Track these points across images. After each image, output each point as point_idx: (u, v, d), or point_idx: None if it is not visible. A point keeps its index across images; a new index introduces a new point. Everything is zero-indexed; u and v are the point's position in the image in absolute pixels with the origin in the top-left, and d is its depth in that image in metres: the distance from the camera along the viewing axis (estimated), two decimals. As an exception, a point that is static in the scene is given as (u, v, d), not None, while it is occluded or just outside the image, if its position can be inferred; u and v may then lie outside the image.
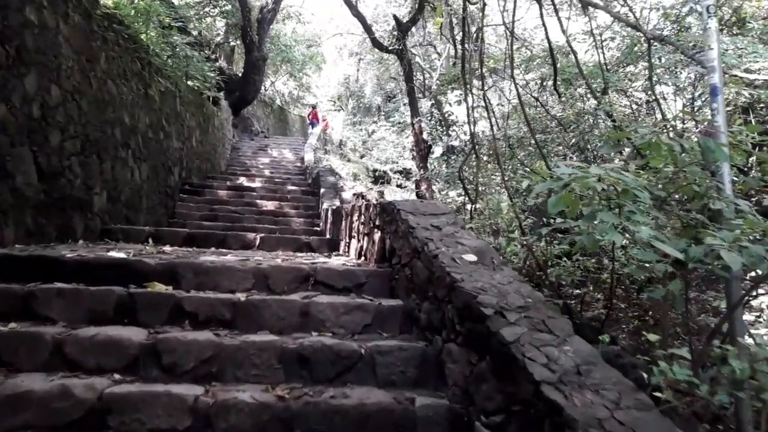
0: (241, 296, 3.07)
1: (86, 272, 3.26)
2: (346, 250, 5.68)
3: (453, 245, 2.87)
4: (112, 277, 3.25)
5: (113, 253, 3.91)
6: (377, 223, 3.90)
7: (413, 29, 18.28)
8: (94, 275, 3.25)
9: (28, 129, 4.61)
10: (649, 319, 5.64)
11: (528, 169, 11.54)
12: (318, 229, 9.60)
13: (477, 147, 7.53)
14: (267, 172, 15.62)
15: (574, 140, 10.24)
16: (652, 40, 9.85)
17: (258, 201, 10.69)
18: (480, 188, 8.60)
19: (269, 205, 10.55)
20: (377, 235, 3.90)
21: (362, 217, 4.66)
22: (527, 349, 2.06)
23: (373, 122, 35.89)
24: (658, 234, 3.05)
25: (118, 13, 6.99)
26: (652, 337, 2.77)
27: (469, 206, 10.70)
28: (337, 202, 10.01)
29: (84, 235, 5.62)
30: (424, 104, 19.41)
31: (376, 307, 3.05)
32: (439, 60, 28.11)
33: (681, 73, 13.26)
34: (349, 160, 25.27)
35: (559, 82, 13.13)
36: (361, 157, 30.54)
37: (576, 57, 10.40)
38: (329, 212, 8.02)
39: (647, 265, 3.38)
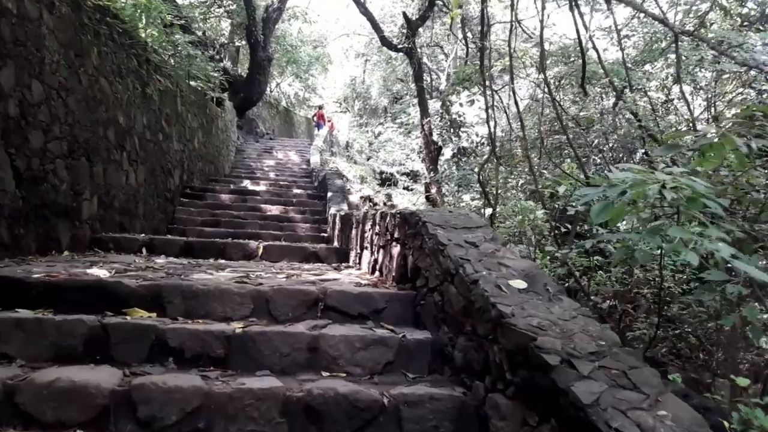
0: (237, 326, 2.56)
1: (56, 296, 2.76)
2: (357, 261, 5.16)
3: (495, 267, 2.35)
4: (85, 302, 2.74)
5: (94, 270, 3.41)
6: (396, 235, 3.38)
7: (420, 30, 17.77)
8: (65, 300, 2.74)
9: (4, 129, 4.12)
10: (690, 338, 5.10)
11: (545, 171, 11.00)
12: (325, 235, 9.10)
13: (495, 148, 7.00)
14: (272, 175, 15.15)
15: (596, 141, 9.69)
16: (680, 35, 9.31)
17: (262, 205, 10.19)
18: (499, 192, 8.07)
19: (274, 210, 10.05)
20: (396, 250, 3.38)
21: (377, 226, 4.15)
22: (611, 416, 1.54)
23: (380, 124, 35.41)
24: (738, 253, 2.53)
25: (112, 6, 6.50)
26: (742, 381, 2.26)
27: (487, 210, 10.18)
28: (345, 207, 9.50)
29: (70, 245, 5.12)
30: (432, 105, 18.88)
31: (399, 341, 2.53)
32: (446, 61, 27.60)
33: (699, 71, 12.67)
34: (355, 162, 24.76)
35: (577, 81, 12.60)
36: (368, 159, 30.06)
37: (599, 54, 9.86)
38: (337, 218, 7.51)
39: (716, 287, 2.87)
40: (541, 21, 6.15)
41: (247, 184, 12.73)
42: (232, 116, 17.20)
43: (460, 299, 2.34)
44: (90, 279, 2.83)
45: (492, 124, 7.04)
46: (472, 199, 10.48)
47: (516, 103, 6.53)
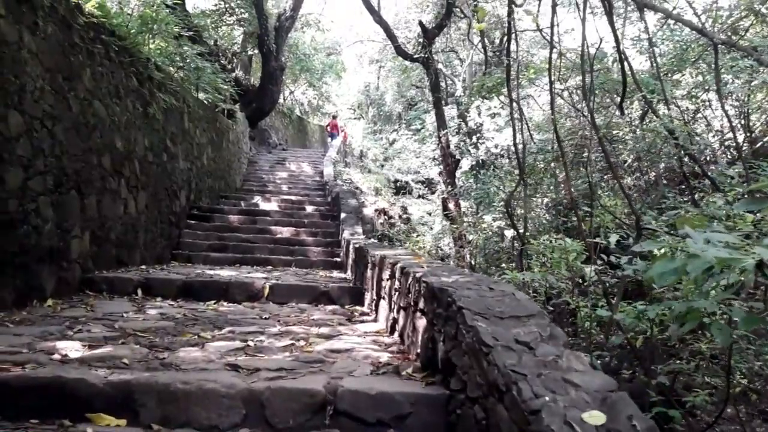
0: (224, 446, 2.01)
1: (3, 399, 2.23)
2: (374, 308, 4.60)
3: (560, 388, 1.78)
4: (41, 406, 2.21)
5: (63, 344, 2.88)
6: (421, 306, 2.81)
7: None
8: (14, 405, 2.21)
9: (-28, 170, 3.63)
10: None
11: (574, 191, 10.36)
12: (338, 260, 8.57)
13: (524, 172, 6.39)
14: (284, 188, 14.69)
15: (628, 160, 9.04)
16: (720, 45, 8.64)
17: (272, 227, 9.69)
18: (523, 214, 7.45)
19: (285, 232, 9.54)
20: (421, 323, 2.81)
21: (396, 281, 3.58)
22: None
23: (394, 130, 34.90)
24: None
25: (108, 22, 6.02)
26: None
27: (508, 232, 9.56)
28: (359, 230, 8.95)
29: (56, 291, 4.62)
30: (447, 112, 18.27)
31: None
32: (461, 66, 27.01)
33: (731, 80, 11.93)
34: (369, 171, 24.24)
35: (601, 92, 11.95)
36: (382, 167, 29.55)
37: (630, 65, 9.21)
38: (351, 247, 6.96)
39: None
40: (583, 25, 5.54)
41: (258, 200, 12.25)
42: (243, 127, 16.76)
43: (515, 429, 1.77)
44: (46, 377, 2.29)
45: (520, 147, 6.43)
46: (494, 220, 9.87)
47: (554, 123, 5.90)
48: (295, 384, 2.38)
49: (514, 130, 6.34)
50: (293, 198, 13.14)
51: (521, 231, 6.13)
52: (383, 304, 4.16)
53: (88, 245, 5.32)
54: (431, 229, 18.60)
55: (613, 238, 4.00)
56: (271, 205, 11.84)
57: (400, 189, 26.38)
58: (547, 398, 1.73)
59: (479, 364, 2.03)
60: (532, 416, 1.69)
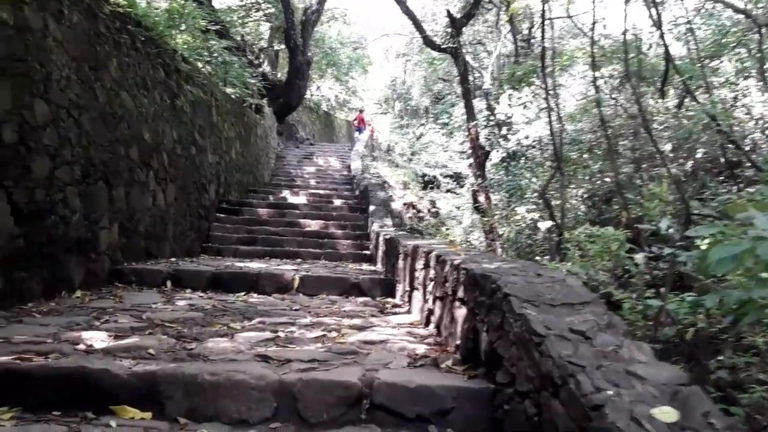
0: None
1: (25, 390, 2.13)
2: (407, 300, 4.43)
3: (624, 381, 1.59)
4: (63, 398, 2.11)
5: (90, 335, 2.79)
6: (461, 295, 2.63)
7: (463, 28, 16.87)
8: (35, 396, 2.12)
9: (-2, 159, 3.57)
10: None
11: (607, 179, 10.01)
12: (367, 252, 8.42)
13: (561, 160, 6.14)
14: (312, 182, 14.61)
15: (669, 147, 8.67)
16: (765, 28, 8.22)
17: (301, 220, 9.59)
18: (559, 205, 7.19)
19: (313, 225, 9.43)
20: (460, 313, 2.64)
21: (431, 270, 3.40)
22: None
23: (421, 125, 34.61)
24: None
25: (134, 12, 5.96)
26: None
27: (543, 223, 9.29)
28: (389, 222, 8.79)
29: (85, 282, 4.57)
30: (476, 104, 17.93)
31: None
32: (489, 59, 26.58)
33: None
34: (397, 166, 24.02)
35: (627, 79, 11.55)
36: (409, 161, 29.33)
37: (667, 50, 8.85)
38: (381, 239, 6.80)
39: None
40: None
41: (286, 194, 12.18)
42: (271, 122, 16.75)
43: (573, 426, 1.59)
44: (69, 367, 2.19)
45: (556, 136, 6.17)
46: (528, 211, 9.58)
47: (599, 103, 5.63)
48: (329, 376, 2.23)
49: (550, 118, 6.10)
50: (321, 192, 13.04)
51: (559, 221, 5.88)
52: (417, 295, 3.99)
53: (117, 237, 5.28)
54: (460, 222, 18.35)
55: (665, 223, 3.74)
56: (300, 199, 11.76)
57: (428, 183, 26.11)
58: (610, 392, 1.54)
59: (530, 355, 1.85)
60: (594, 412, 1.51)
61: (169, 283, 5.04)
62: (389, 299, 5.00)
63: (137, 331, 3.01)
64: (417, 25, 13.63)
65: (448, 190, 27.31)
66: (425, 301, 3.59)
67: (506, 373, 2.03)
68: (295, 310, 4.12)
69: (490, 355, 2.19)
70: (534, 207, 9.42)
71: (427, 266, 3.58)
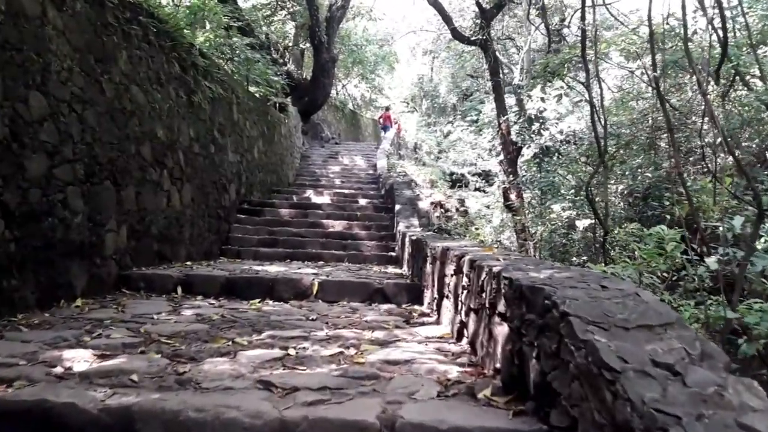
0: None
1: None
2: (435, 309, 4.00)
3: (740, 442, 1.14)
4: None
5: (74, 354, 2.44)
6: (501, 309, 2.19)
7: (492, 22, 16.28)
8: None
9: (-15, 155, 3.27)
10: None
11: (648, 174, 9.40)
12: (393, 254, 8.02)
13: (605, 155, 5.61)
14: (337, 182, 14.30)
15: (718, 140, 8.02)
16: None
17: (324, 221, 9.22)
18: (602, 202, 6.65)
19: (337, 226, 9.06)
20: (501, 330, 2.20)
21: (464, 277, 2.97)
22: None
23: (449, 122, 34.10)
24: None
25: (145, 2, 5.66)
26: None
27: (581, 222, 8.73)
28: (415, 221, 8.34)
29: (88, 289, 4.25)
30: (506, 101, 17.32)
31: None
32: (518, 54, 25.91)
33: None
34: (424, 164, 23.57)
35: (679, 68, 10.88)
36: (437, 159, 28.86)
37: (719, 37, 8.19)
38: (407, 240, 6.38)
39: None
40: None
41: (310, 194, 11.86)
42: (296, 121, 16.47)
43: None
44: (29, 401, 1.82)
45: (600, 125, 5.64)
46: (564, 210, 8.99)
47: (656, 83, 5.07)
48: (341, 412, 1.81)
49: (592, 109, 5.57)
50: (346, 191, 12.69)
51: (602, 219, 5.37)
52: (447, 304, 3.56)
53: (126, 240, 4.97)
54: (490, 221, 17.79)
55: (738, 221, 3.25)
56: (324, 199, 11.41)
57: (456, 182, 25.62)
58: (726, 462, 1.09)
59: (599, 395, 1.40)
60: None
61: (179, 290, 4.71)
62: (416, 306, 4.57)
63: (128, 348, 2.65)
64: (445, 17, 13.15)
65: (476, 189, 26.79)
66: (457, 312, 3.16)
67: (564, 414, 1.58)
68: (312, 320, 3.73)
69: (541, 388, 1.75)
70: (570, 205, 8.87)
71: (458, 272, 3.14)
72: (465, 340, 2.94)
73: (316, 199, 11.38)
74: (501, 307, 2.20)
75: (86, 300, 4.01)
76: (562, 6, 21.39)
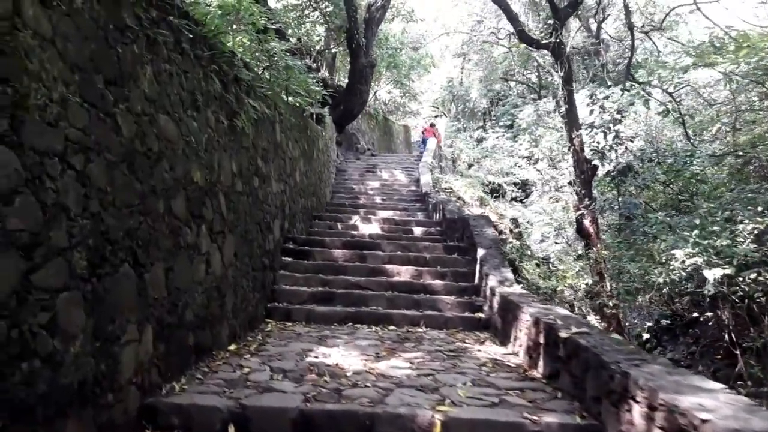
0: None
1: None
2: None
3: None
4: None
5: None
6: None
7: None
8: None
9: None
10: None
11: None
12: (481, 316, 6.36)
13: None
14: (378, 200, 12.81)
15: None
16: None
17: (386, 266, 7.57)
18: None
19: (402, 273, 7.42)
20: None
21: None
22: None
23: (479, 127, 32.41)
24: None
25: (178, -3, 4.05)
26: None
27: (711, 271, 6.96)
28: (508, 273, 6.58)
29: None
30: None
31: None
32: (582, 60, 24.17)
33: None
34: (461, 175, 21.90)
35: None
36: (469, 167, 27.12)
37: None
38: (521, 317, 4.71)
39: None
40: None
41: (356, 221, 10.27)
42: (331, 133, 14.91)
43: None
44: None
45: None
46: (690, 256, 7.03)
47: None
48: None
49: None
50: (391, 214, 11.09)
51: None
52: None
53: (151, 347, 3.35)
54: (549, 240, 16.06)
55: None
56: (373, 228, 9.81)
57: (493, 192, 23.98)
58: None
59: None
60: None
61: (231, 429, 3.08)
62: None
63: None
64: (510, 16, 11.46)
65: (512, 199, 25.24)
66: None
67: None
68: None
69: None
70: (693, 248, 7.07)
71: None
72: None
73: (365, 228, 9.78)
74: None
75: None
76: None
